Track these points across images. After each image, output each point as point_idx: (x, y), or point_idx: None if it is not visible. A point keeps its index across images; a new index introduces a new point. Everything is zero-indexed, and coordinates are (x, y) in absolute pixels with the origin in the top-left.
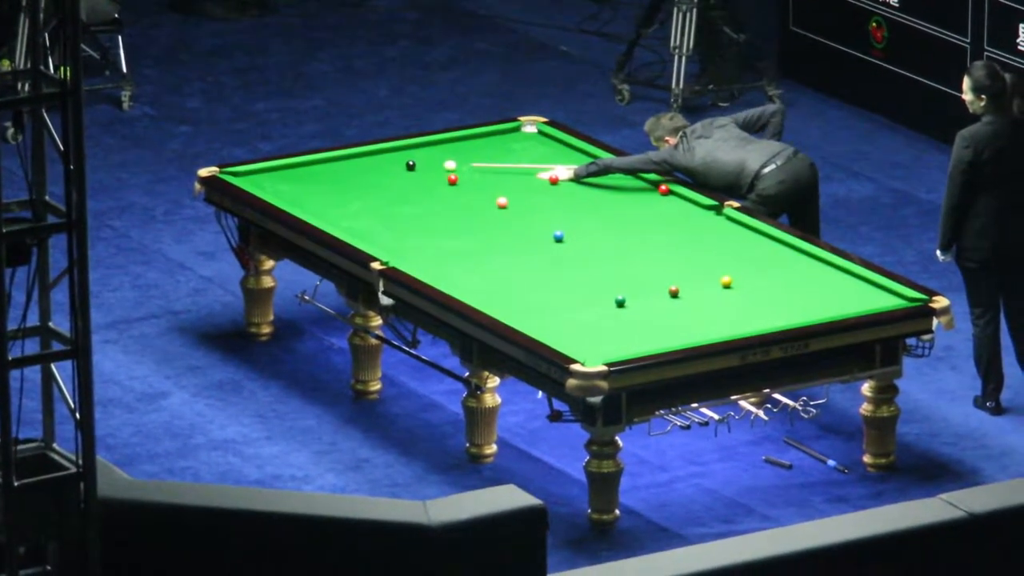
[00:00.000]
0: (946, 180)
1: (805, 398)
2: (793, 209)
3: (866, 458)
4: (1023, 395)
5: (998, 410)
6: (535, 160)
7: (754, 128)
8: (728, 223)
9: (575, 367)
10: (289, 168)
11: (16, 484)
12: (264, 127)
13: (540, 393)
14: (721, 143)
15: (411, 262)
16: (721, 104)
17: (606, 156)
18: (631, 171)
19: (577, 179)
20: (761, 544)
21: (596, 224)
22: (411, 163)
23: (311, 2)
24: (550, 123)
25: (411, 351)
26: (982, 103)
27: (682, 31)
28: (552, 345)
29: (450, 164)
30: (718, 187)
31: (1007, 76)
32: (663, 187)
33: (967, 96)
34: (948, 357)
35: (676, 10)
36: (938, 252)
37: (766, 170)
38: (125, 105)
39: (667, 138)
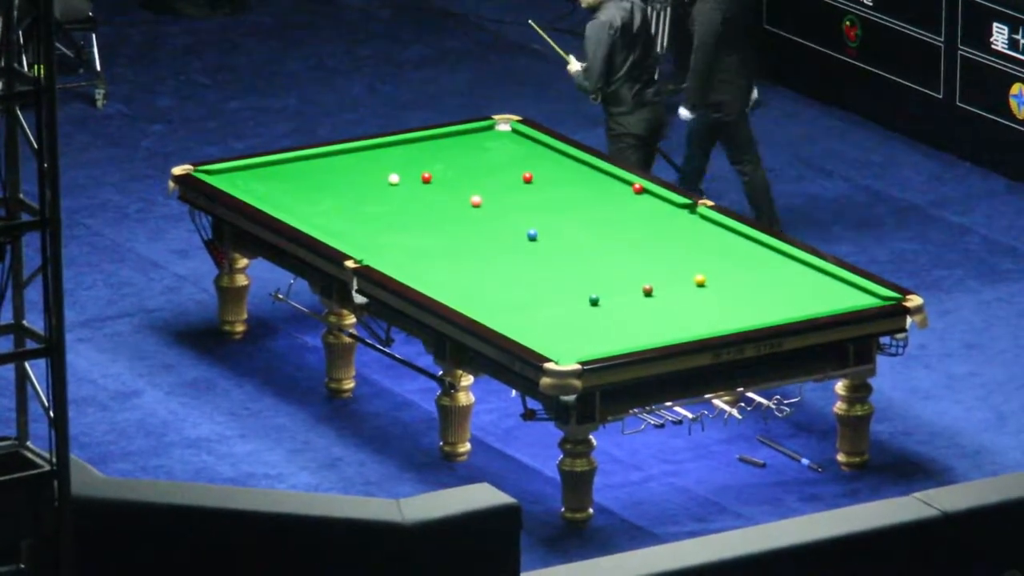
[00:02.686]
0: (699, 45)
1: (779, 397)
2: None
3: (840, 457)
4: (996, 394)
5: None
6: (513, 160)
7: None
8: (702, 222)
9: (549, 366)
10: (263, 167)
11: None
12: (237, 125)
13: (514, 392)
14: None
15: (385, 260)
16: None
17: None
18: (600, 61)
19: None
20: (735, 543)
21: (570, 223)
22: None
23: (284, 1)
24: (524, 122)
25: (385, 349)
26: None
27: (657, 30)
28: (526, 344)
29: (394, 178)
30: (614, 63)
31: None
32: (637, 186)
33: None
34: (922, 356)
35: (650, 9)
36: (684, 111)
37: (644, 95)
38: (99, 103)
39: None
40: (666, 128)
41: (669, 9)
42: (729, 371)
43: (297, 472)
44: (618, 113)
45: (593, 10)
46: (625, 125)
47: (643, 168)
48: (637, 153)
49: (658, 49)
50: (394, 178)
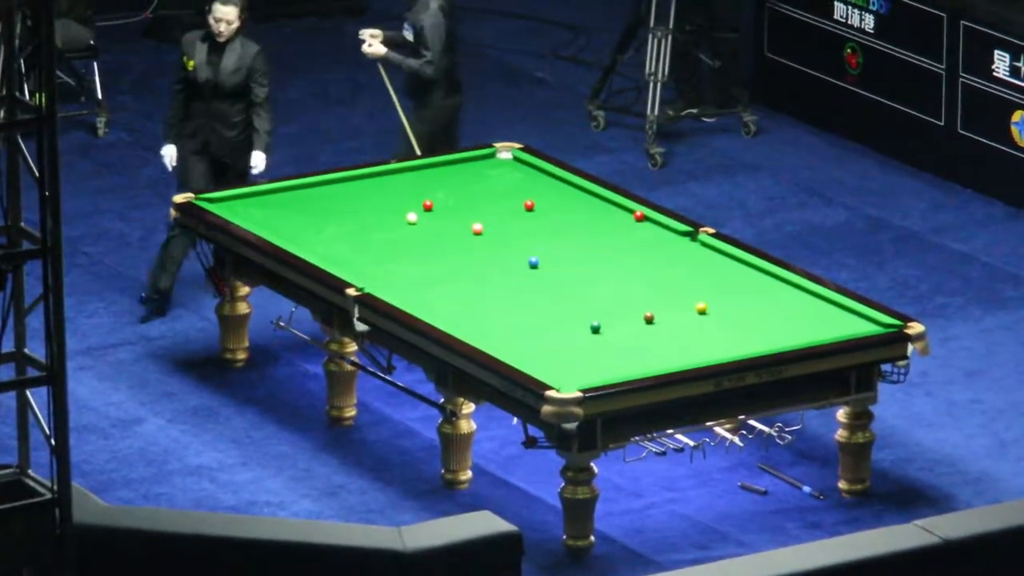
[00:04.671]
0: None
1: (780, 424)
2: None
3: (841, 484)
4: (998, 421)
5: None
6: (514, 188)
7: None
8: (703, 249)
9: (550, 393)
10: (264, 194)
11: None
12: (456, 132)
13: (515, 419)
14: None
15: (386, 288)
16: (706, 119)
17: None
18: (440, 48)
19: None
20: (736, 570)
21: (571, 250)
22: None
23: (286, 28)
24: (525, 149)
25: (386, 377)
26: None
27: (657, 58)
28: (527, 371)
29: (412, 216)
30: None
31: None
32: (638, 214)
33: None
34: (923, 383)
35: (651, 37)
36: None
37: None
38: (100, 131)
39: None
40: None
41: (670, 37)
42: (730, 399)
43: (299, 500)
44: (440, 98)
45: (409, 3)
46: (451, 107)
47: (451, 144)
48: (448, 133)
49: (660, 77)
50: (412, 216)
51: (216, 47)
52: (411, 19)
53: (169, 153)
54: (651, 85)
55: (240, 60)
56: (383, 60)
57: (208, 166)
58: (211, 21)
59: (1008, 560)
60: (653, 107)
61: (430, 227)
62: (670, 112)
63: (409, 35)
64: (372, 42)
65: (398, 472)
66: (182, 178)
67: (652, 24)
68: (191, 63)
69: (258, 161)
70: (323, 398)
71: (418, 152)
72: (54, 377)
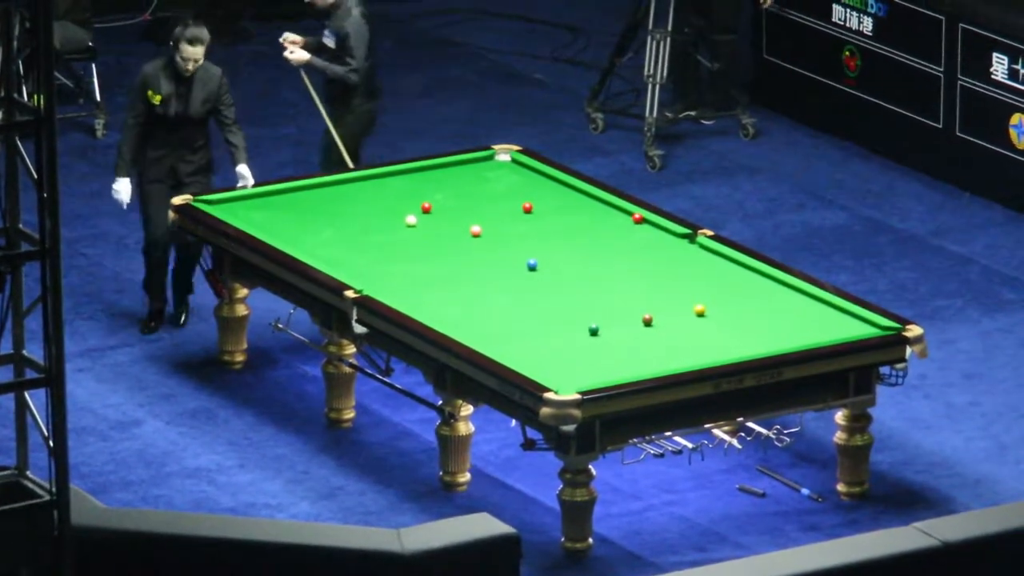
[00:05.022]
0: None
1: (779, 426)
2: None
3: (840, 486)
4: (996, 424)
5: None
6: (512, 190)
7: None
8: (701, 251)
9: (548, 395)
10: (262, 196)
11: None
12: (365, 140)
13: (514, 421)
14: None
15: (385, 290)
16: (705, 121)
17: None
18: (364, 54)
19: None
20: (734, 573)
21: (570, 252)
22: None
23: (284, 30)
24: (524, 151)
25: (385, 379)
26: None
27: (656, 60)
28: (526, 373)
29: (411, 219)
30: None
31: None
32: (637, 216)
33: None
34: (922, 385)
35: (650, 39)
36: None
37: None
38: (99, 133)
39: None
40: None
41: (669, 39)
42: (729, 401)
43: (297, 502)
44: (359, 104)
45: (328, 10)
46: (371, 112)
47: (354, 160)
48: (362, 138)
49: (658, 79)
50: (411, 219)
51: (183, 80)
52: (333, 26)
53: (124, 188)
54: (650, 87)
55: (207, 89)
56: (307, 66)
57: (168, 192)
58: (178, 59)
59: (1007, 562)
60: (652, 109)
61: (428, 229)
62: (669, 114)
63: (331, 42)
64: (294, 48)
65: (397, 474)
66: (146, 208)
67: (651, 26)
68: (157, 97)
69: (247, 174)
70: (322, 400)
71: (350, 164)
72: (52, 379)
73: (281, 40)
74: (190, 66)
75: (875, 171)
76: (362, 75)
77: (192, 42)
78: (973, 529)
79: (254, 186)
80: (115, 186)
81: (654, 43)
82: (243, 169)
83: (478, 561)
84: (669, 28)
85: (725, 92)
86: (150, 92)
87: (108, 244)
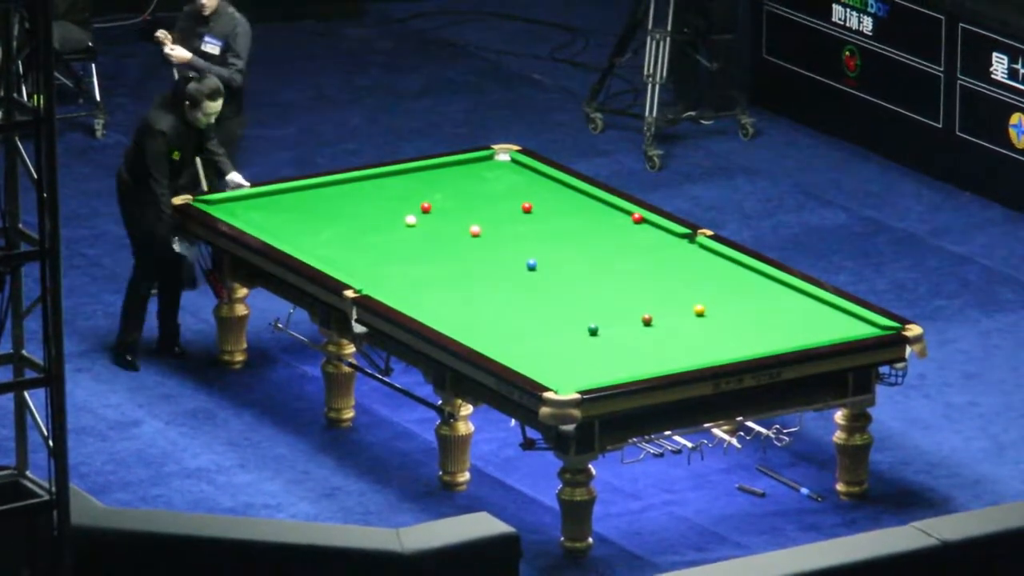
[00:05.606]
0: None
1: (778, 426)
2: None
3: (839, 486)
4: (995, 423)
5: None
6: (512, 190)
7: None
8: (701, 251)
9: (548, 395)
10: (262, 196)
11: None
12: (237, 155)
13: (513, 421)
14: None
15: (384, 290)
16: (704, 121)
17: None
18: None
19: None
20: (734, 572)
21: (569, 252)
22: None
23: (284, 30)
24: (523, 151)
25: (384, 379)
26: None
27: (655, 60)
28: (525, 373)
29: (411, 219)
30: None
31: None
32: (636, 216)
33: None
34: (921, 385)
35: (650, 39)
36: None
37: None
38: (98, 133)
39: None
40: None
41: (668, 39)
42: (728, 400)
43: (296, 502)
44: (228, 114)
45: (208, 17)
46: (234, 128)
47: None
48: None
49: (658, 79)
50: (411, 219)
51: (191, 131)
52: (215, 32)
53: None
54: (649, 87)
55: (208, 132)
56: (189, 65)
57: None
58: (199, 115)
59: (1006, 562)
60: (651, 109)
61: (428, 229)
62: (669, 115)
63: (214, 48)
64: (174, 47)
65: (396, 474)
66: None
67: (651, 26)
68: (177, 153)
69: (240, 179)
70: (321, 400)
71: (204, 187)
72: (52, 379)
73: (159, 36)
74: (212, 119)
75: (875, 171)
76: (246, 76)
77: (213, 96)
78: (972, 529)
79: (252, 185)
80: (184, 250)
81: (654, 43)
82: (235, 176)
83: (477, 561)
84: (669, 28)
85: (724, 92)
86: (176, 153)
87: (108, 244)
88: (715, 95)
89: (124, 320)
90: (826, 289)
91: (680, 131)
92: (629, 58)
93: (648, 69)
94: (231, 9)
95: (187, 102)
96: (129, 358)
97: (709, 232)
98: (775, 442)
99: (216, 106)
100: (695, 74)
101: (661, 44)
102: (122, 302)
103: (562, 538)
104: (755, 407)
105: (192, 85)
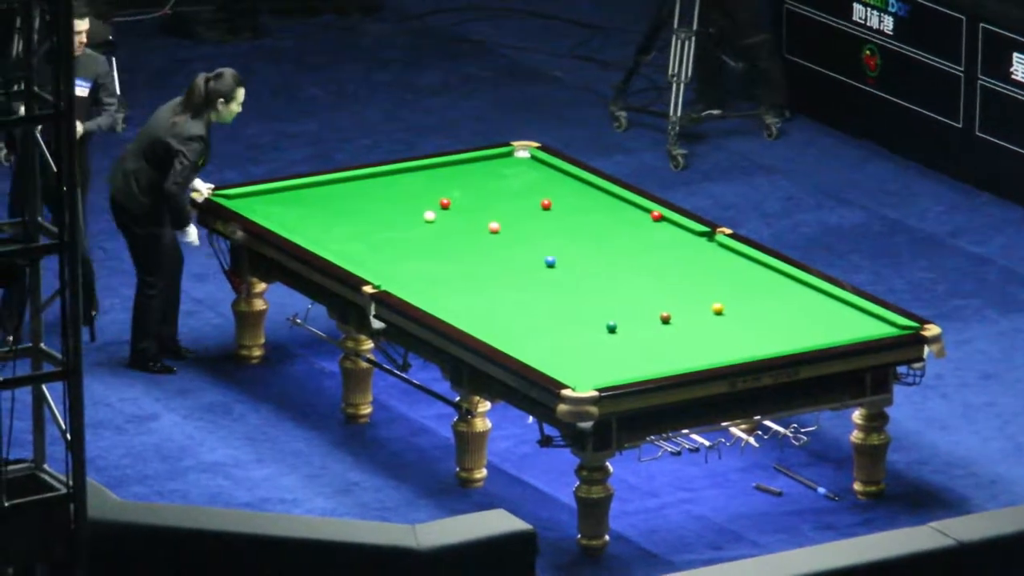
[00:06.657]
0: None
1: (795, 425)
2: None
3: (856, 486)
4: (1013, 424)
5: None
6: (531, 187)
7: None
8: (720, 250)
9: (566, 392)
10: (281, 191)
11: (6, 504)
12: (255, 150)
13: (530, 418)
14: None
15: (403, 286)
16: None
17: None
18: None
19: None
20: (750, 571)
21: (588, 250)
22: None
23: (303, 26)
24: (543, 148)
25: (402, 375)
26: None
27: (680, 59)
28: (543, 370)
29: (429, 215)
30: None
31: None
32: (656, 213)
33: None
34: (939, 385)
35: (675, 38)
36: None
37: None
38: (119, 127)
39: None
40: None
41: (693, 39)
42: (746, 399)
43: (313, 497)
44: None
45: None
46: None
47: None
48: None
49: (683, 78)
50: (430, 215)
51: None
52: (82, 75)
53: (193, 232)
54: (674, 86)
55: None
56: (85, 135)
57: None
58: (233, 107)
59: (1023, 562)
60: (676, 108)
61: (447, 225)
62: (693, 115)
63: (82, 91)
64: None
65: (413, 470)
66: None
67: (676, 25)
68: (203, 159)
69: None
70: (338, 395)
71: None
72: (70, 372)
73: None
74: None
75: (894, 171)
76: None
77: (241, 82)
78: (989, 529)
79: (271, 181)
80: (190, 232)
81: (679, 42)
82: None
83: (494, 557)
84: (694, 27)
85: (777, 93)
86: (202, 159)
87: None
88: (767, 95)
89: (136, 329)
90: (844, 288)
91: (701, 130)
92: (654, 56)
93: (673, 68)
94: (87, 48)
95: (220, 99)
96: (155, 364)
97: (728, 230)
98: (792, 441)
99: (243, 91)
100: (719, 74)
101: (686, 43)
102: (131, 315)
103: (579, 535)
104: (773, 406)
105: (214, 83)
